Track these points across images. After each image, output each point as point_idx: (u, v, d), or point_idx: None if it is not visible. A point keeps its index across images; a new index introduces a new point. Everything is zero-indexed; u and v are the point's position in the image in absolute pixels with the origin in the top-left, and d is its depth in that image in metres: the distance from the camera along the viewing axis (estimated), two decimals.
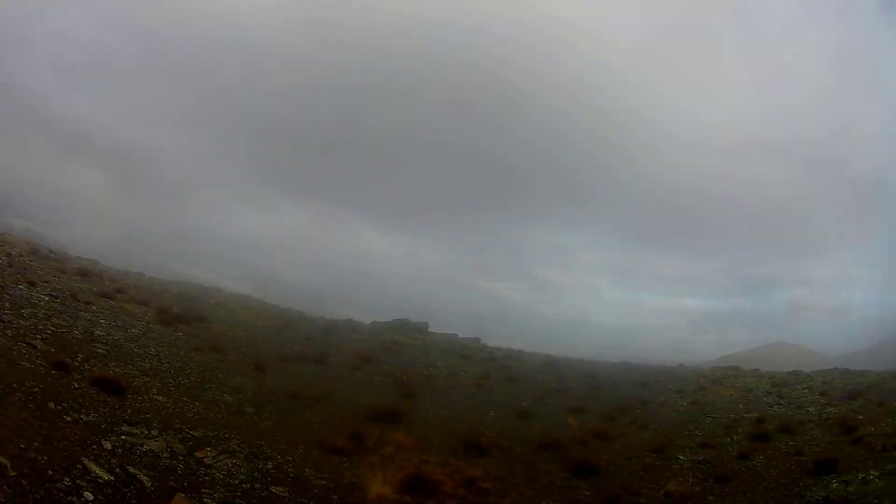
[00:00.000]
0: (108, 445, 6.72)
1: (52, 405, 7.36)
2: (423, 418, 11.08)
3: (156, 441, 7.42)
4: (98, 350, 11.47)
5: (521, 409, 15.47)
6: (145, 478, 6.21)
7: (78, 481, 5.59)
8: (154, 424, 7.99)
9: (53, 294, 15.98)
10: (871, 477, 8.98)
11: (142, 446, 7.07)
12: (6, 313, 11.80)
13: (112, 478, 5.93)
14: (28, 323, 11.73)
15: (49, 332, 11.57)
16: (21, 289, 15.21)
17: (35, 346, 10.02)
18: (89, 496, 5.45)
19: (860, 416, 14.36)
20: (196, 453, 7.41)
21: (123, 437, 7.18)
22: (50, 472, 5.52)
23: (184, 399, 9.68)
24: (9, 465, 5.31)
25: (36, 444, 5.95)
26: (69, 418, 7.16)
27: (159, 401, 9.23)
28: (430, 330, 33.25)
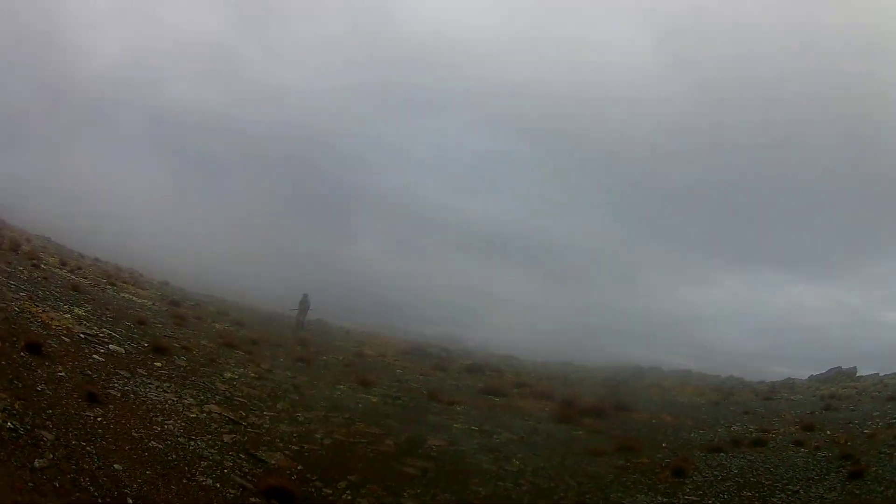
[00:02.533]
0: None
1: None
2: None
3: None
4: (407, 470, 7.75)
5: None
6: None
7: None
8: None
9: (396, 395, 12.57)
10: None
11: None
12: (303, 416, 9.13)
13: None
14: (290, 430, 8.46)
15: (310, 444, 8.20)
16: (341, 388, 12.29)
17: (267, 460, 7.13)
18: None
19: None
20: None
21: None
22: None
23: None
24: None
25: None
26: None
27: None
28: (857, 375, 32.29)
